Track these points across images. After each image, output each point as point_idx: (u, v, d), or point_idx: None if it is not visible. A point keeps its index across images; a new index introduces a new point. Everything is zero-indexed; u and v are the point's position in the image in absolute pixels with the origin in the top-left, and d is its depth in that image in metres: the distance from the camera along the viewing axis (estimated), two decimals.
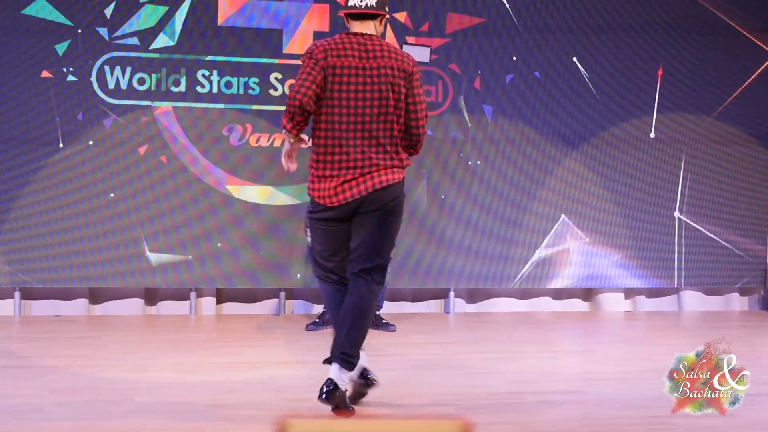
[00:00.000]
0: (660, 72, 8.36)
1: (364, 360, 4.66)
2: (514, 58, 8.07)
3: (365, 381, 4.69)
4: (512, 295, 8.31)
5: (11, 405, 4.62)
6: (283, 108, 4.75)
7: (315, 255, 4.68)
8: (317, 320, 7.14)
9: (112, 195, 7.45)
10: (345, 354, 4.49)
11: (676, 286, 8.49)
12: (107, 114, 7.42)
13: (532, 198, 8.16)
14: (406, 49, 7.70)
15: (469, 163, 8.02)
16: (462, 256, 8.02)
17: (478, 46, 8.01)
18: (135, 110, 7.48)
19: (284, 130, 4.52)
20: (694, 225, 8.44)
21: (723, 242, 8.49)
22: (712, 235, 8.48)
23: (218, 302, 7.85)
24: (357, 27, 4.60)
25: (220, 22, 7.62)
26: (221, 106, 7.63)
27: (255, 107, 7.67)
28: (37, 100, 7.34)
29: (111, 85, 7.44)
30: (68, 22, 7.36)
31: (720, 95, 8.47)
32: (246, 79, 7.65)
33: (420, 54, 7.79)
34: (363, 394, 4.73)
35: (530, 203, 8.16)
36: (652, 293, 8.56)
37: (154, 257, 7.50)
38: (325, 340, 5.12)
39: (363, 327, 4.54)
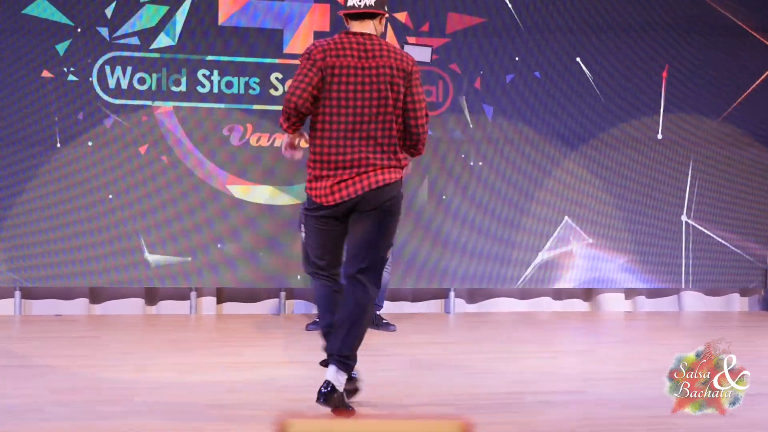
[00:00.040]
0: (665, 73, 8.34)
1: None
2: (516, 59, 8.06)
3: (349, 378, 4.66)
4: (512, 295, 8.31)
5: (11, 405, 4.62)
6: None
7: (307, 251, 4.69)
8: (317, 320, 7.13)
9: (110, 196, 7.46)
10: (342, 357, 4.48)
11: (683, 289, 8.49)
12: (108, 114, 7.43)
13: (534, 200, 8.15)
14: (407, 49, 7.70)
15: (471, 163, 8.01)
16: (466, 257, 8.02)
17: (479, 46, 8.01)
18: (136, 110, 7.49)
19: (281, 129, 4.56)
20: (703, 229, 8.40)
21: (733, 248, 8.45)
22: (721, 240, 8.44)
23: (218, 302, 7.85)
24: (356, 27, 4.60)
25: (220, 21, 7.62)
26: (222, 105, 7.63)
27: (256, 107, 7.68)
28: (38, 99, 7.34)
29: (112, 85, 7.44)
30: (69, 22, 7.37)
31: (727, 97, 8.44)
32: (247, 78, 7.65)
33: (421, 54, 7.79)
34: (355, 391, 4.69)
35: (532, 205, 8.14)
36: (653, 293, 8.55)
37: (154, 257, 7.50)
38: None
39: (360, 330, 4.53)
